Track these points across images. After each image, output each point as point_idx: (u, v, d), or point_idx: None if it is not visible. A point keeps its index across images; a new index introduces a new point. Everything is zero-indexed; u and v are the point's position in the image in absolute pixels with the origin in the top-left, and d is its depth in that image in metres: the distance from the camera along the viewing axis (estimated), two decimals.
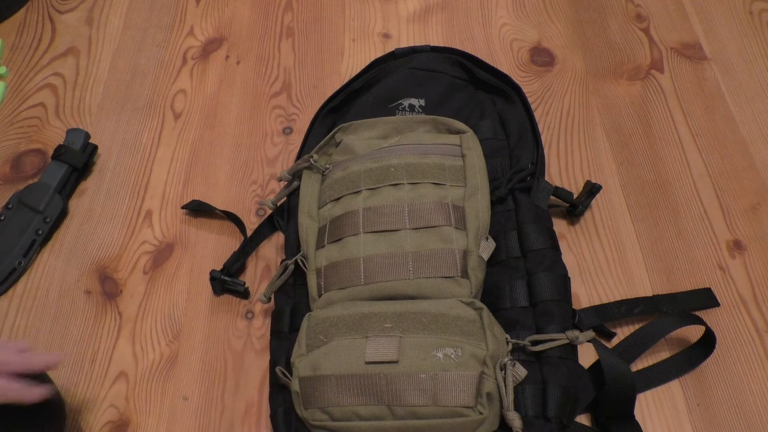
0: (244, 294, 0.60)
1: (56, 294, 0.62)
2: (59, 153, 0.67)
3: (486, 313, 0.47)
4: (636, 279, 0.59)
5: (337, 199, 0.55)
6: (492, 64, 0.65)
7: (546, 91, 0.72)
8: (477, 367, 0.44)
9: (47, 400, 0.48)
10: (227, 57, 0.79)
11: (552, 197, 0.58)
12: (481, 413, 0.43)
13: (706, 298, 0.57)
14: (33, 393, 0.47)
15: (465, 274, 0.49)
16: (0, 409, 0.45)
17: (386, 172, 0.55)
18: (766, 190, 0.64)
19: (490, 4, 0.81)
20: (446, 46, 0.65)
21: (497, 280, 0.53)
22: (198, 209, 0.66)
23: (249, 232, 0.63)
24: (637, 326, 0.55)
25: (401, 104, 0.64)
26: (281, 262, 0.56)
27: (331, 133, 0.59)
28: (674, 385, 0.53)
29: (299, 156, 0.63)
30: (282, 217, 0.62)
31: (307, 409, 0.46)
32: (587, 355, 0.53)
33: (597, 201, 0.64)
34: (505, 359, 0.46)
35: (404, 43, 0.78)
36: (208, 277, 0.61)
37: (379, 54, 0.76)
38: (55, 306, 0.61)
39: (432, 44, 0.68)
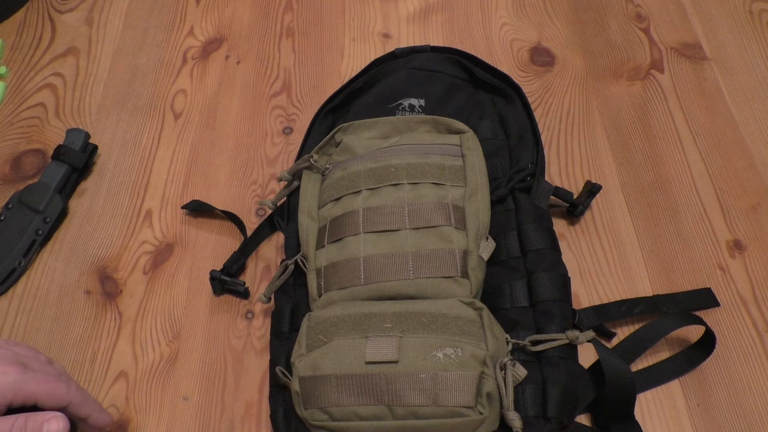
0: (244, 294, 0.60)
1: (56, 294, 0.62)
2: (59, 153, 0.67)
3: (486, 313, 0.47)
4: (636, 279, 0.59)
5: (337, 199, 0.55)
6: (492, 64, 0.65)
7: (546, 91, 0.72)
8: (477, 367, 0.44)
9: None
10: (227, 57, 0.79)
11: (552, 197, 0.58)
12: (481, 413, 0.43)
13: (706, 298, 0.57)
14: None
15: (465, 274, 0.49)
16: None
17: (386, 172, 0.55)
18: (766, 190, 0.64)
19: (490, 4, 0.81)
20: (446, 46, 0.65)
21: (497, 280, 0.53)
22: (198, 209, 0.66)
23: (249, 232, 0.63)
24: (637, 326, 0.55)
25: (401, 104, 0.64)
26: (281, 262, 0.56)
27: (331, 133, 0.59)
28: (674, 385, 0.53)
29: (299, 156, 0.63)
30: (282, 217, 0.62)
31: (307, 409, 0.46)
32: (587, 355, 0.53)
33: (597, 201, 0.64)
34: (505, 359, 0.46)
35: (404, 43, 0.78)
36: (208, 277, 0.61)
37: (379, 54, 0.76)
38: (55, 306, 0.61)
39: (432, 44, 0.68)
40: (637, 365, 0.54)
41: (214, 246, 0.64)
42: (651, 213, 0.63)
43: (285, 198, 0.61)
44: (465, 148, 0.56)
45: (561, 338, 0.49)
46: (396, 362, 0.45)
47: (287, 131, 0.72)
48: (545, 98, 0.72)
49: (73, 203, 0.68)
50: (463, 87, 0.64)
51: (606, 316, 0.55)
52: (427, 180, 0.54)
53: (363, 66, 0.71)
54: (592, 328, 0.55)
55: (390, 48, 0.77)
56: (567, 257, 0.60)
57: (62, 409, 0.46)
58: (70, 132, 0.69)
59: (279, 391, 0.52)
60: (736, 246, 0.61)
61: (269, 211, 0.65)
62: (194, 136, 0.72)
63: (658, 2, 0.79)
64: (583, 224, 0.63)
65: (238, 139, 0.72)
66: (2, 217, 0.65)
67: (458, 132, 0.58)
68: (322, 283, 0.52)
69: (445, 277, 0.49)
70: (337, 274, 0.51)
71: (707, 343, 0.53)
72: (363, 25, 0.81)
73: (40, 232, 0.64)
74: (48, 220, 0.64)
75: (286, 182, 0.61)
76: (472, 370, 0.44)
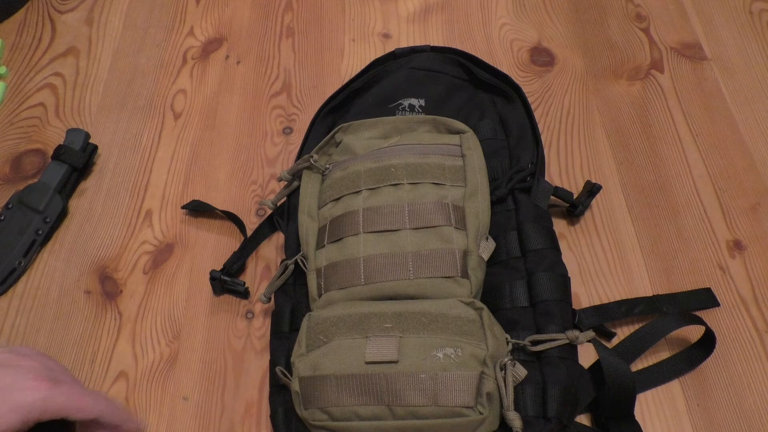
0: (244, 294, 0.60)
1: (56, 294, 0.62)
2: (59, 153, 0.67)
3: (486, 313, 0.47)
4: (636, 279, 0.59)
5: (337, 199, 0.55)
6: (492, 64, 0.65)
7: (546, 91, 0.72)
8: (477, 367, 0.44)
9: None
10: (227, 57, 0.79)
11: (552, 197, 0.58)
12: (481, 413, 0.43)
13: (706, 298, 0.57)
14: None
15: (465, 274, 0.49)
16: None
17: (386, 172, 0.55)
18: (766, 190, 0.64)
19: (490, 4, 0.81)
20: (446, 46, 0.65)
21: (497, 280, 0.53)
22: (198, 209, 0.66)
23: (249, 232, 0.63)
24: (637, 326, 0.55)
25: (401, 104, 0.64)
26: (281, 262, 0.56)
27: (331, 133, 0.59)
28: (674, 385, 0.53)
29: (299, 156, 0.63)
30: (282, 217, 0.62)
31: (307, 409, 0.46)
32: (587, 355, 0.53)
33: (597, 201, 0.64)
34: (505, 359, 0.46)
35: (404, 43, 0.78)
36: (208, 277, 0.61)
37: (379, 54, 0.76)
38: (55, 306, 0.61)
39: (432, 44, 0.68)
40: (637, 365, 0.54)
41: (214, 246, 0.64)
42: (651, 213, 0.63)
43: (285, 198, 0.61)
44: (465, 148, 0.56)
45: (561, 338, 0.49)
46: (396, 362, 0.45)
47: (287, 131, 0.72)
48: (545, 98, 0.72)
49: (73, 203, 0.68)
50: (463, 87, 0.64)
51: (606, 316, 0.55)
52: (427, 180, 0.54)
53: (363, 66, 0.71)
54: (592, 328, 0.55)
55: (390, 48, 0.77)
56: (567, 257, 0.60)
57: (91, 420, 0.46)
58: (70, 132, 0.69)
59: (279, 391, 0.52)
60: (736, 246, 0.61)
61: (269, 211, 0.65)
62: (194, 136, 0.72)
63: (658, 2, 0.79)
64: (583, 224, 0.63)
65: (238, 139, 0.72)
66: (2, 217, 0.65)
67: (458, 132, 0.58)
68: (322, 283, 0.52)
69: (445, 277, 0.49)
70: (337, 274, 0.51)
71: (707, 343, 0.53)
72: (363, 25, 0.81)
73: (40, 232, 0.64)
74: (48, 220, 0.64)
75: (286, 182, 0.61)
76: (472, 370, 0.44)
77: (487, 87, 0.63)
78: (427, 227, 0.51)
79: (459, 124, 0.58)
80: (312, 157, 0.58)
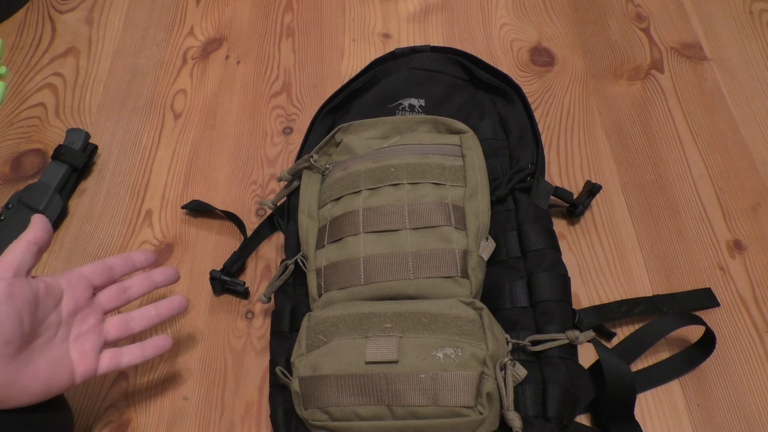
0: (244, 294, 0.60)
1: None
2: (59, 153, 0.67)
3: (486, 313, 0.47)
4: (636, 279, 0.59)
5: (337, 199, 0.55)
6: (492, 64, 0.65)
7: (546, 91, 0.72)
8: (477, 367, 0.44)
9: (59, 413, 0.48)
10: (227, 57, 0.79)
11: (552, 197, 0.58)
12: (481, 413, 0.43)
13: (706, 298, 0.57)
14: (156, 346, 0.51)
15: (465, 274, 0.49)
16: (11, 419, 0.44)
17: (386, 172, 0.55)
18: (766, 190, 0.64)
19: (490, 4, 0.81)
20: (446, 46, 0.65)
21: (497, 280, 0.53)
22: (198, 209, 0.66)
23: (249, 232, 0.63)
24: (637, 326, 0.55)
25: (401, 104, 0.64)
26: (281, 262, 0.56)
27: (331, 133, 0.59)
28: (674, 385, 0.53)
29: (299, 156, 0.63)
30: (282, 217, 0.62)
31: (307, 409, 0.46)
32: (587, 355, 0.53)
33: (597, 201, 0.64)
34: (505, 359, 0.46)
35: (404, 43, 0.78)
36: (208, 277, 0.61)
37: (379, 54, 0.76)
38: None
39: (432, 44, 0.68)
40: (637, 365, 0.54)
41: (214, 246, 0.64)
42: (651, 213, 0.63)
43: (285, 198, 0.61)
44: (465, 148, 0.56)
45: (561, 338, 0.49)
46: (396, 362, 0.45)
47: (287, 131, 0.72)
48: (545, 98, 0.72)
49: (73, 203, 0.68)
50: (463, 87, 0.64)
51: (606, 316, 0.55)
52: (427, 180, 0.54)
53: (363, 66, 0.71)
54: (592, 328, 0.55)
55: (390, 48, 0.78)
56: (567, 257, 0.60)
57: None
58: (70, 132, 0.69)
59: (279, 391, 0.52)
60: (736, 246, 0.61)
61: (269, 211, 0.65)
62: (194, 136, 0.72)
63: (658, 2, 0.79)
64: (583, 224, 0.63)
65: (238, 139, 0.72)
66: (2, 217, 0.65)
67: (458, 132, 0.58)
68: (322, 283, 0.52)
69: (445, 277, 0.49)
70: (337, 274, 0.51)
71: (707, 343, 0.53)
72: (363, 25, 0.81)
73: None
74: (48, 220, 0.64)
75: (286, 182, 0.61)
76: (472, 370, 0.44)
77: (487, 87, 0.63)
78: (427, 227, 0.51)
79: (459, 124, 0.58)
80: (312, 157, 0.58)
